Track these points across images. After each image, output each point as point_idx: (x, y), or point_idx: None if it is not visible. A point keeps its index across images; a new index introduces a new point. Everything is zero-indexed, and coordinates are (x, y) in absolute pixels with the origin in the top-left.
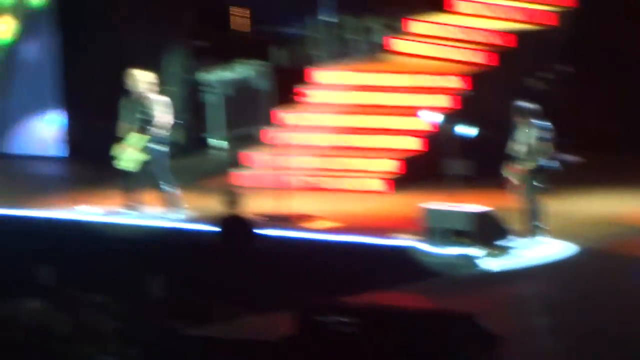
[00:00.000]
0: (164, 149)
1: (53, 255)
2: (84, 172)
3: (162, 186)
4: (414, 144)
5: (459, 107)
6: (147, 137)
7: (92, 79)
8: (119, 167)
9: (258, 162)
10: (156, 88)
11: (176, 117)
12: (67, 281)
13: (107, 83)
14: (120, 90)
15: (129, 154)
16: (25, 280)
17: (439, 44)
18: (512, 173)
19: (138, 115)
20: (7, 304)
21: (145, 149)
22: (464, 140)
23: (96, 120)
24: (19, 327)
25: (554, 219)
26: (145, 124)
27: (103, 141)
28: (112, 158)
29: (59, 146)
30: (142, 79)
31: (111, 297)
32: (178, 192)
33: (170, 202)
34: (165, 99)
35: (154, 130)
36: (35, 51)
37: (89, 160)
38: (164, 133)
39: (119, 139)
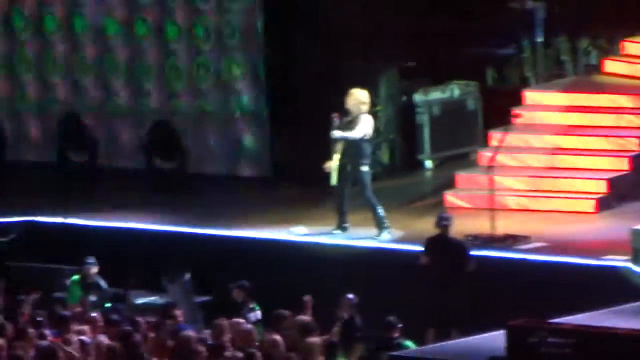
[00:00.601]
0: (369, 169)
1: (265, 276)
2: (289, 192)
3: (374, 207)
4: (623, 165)
5: None
6: (356, 156)
7: (299, 98)
8: (331, 185)
9: (469, 182)
10: (367, 107)
11: (384, 137)
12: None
13: (314, 103)
14: (325, 112)
15: (334, 167)
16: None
17: None
18: None
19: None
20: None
21: (353, 169)
22: None
23: (302, 140)
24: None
25: None
26: (354, 143)
27: (308, 161)
28: (323, 177)
29: (265, 166)
30: (361, 99)
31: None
32: (383, 212)
33: (378, 223)
34: (370, 118)
35: (361, 150)
36: (244, 69)
37: (294, 181)
38: (370, 153)
39: (331, 158)
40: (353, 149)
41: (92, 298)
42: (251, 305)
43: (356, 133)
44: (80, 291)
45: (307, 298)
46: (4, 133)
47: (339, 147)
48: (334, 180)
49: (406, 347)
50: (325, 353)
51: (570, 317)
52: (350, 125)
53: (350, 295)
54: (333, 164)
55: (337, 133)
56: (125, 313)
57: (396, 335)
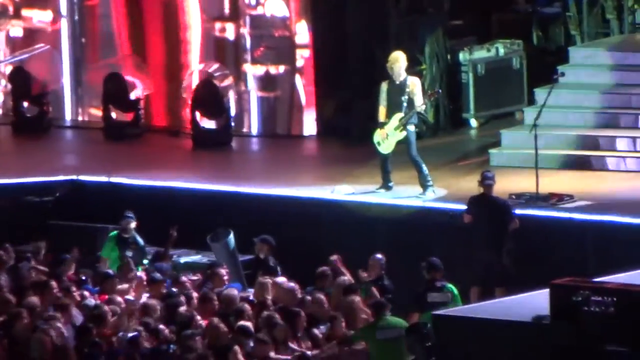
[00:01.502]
0: (415, 129)
1: (308, 235)
2: (334, 151)
3: (419, 166)
4: None
5: None
6: (408, 115)
7: (344, 57)
8: (381, 152)
9: (514, 141)
10: (406, 67)
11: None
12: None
13: (358, 62)
14: (371, 70)
15: (391, 137)
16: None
17: None
18: None
19: (403, 98)
20: None
21: (404, 129)
22: None
23: (347, 99)
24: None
25: None
26: (408, 107)
27: (353, 119)
28: (373, 142)
29: (310, 124)
30: (401, 61)
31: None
32: (427, 171)
33: (422, 182)
34: (417, 79)
35: (414, 113)
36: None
37: (337, 138)
38: (420, 115)
39: (380, 124)
40: (411, 112)
41: (129, 253)
42: (272, 263)
43: (420, 103)
44: (115, 246)
45: (335, 257)
46: (46, 92)
47: (398, 115)
48: (388, 145)
49: (449, 290)
50: (373, 312)
51: (613, 276)
52: (400, 88)
53: (379, 255)
54: (389, 130)
55: (420, 108)
56: (170, 272)
57: (439, 277)
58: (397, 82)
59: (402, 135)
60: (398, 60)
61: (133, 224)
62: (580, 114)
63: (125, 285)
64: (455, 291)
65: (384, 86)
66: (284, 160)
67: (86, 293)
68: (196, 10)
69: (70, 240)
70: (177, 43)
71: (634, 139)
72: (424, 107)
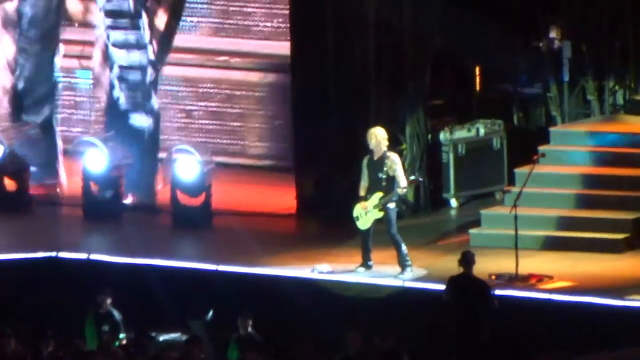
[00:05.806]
0: (396, 207)
1: (287, 314)
2: (312, 229)
3: (398, 245)
4: None
5: None
6: (389, 196)
7: (324, 135)
8: (359, 227)
9: (494, 221)
10: (387, 143)
11: (409, 175)
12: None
13: (338, 139)
14: (351, 147)
15: (370, 214)
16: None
17: None
18: None
19: (381, 175)
20: None
21: (383, 209)
22: None
23: (326, 176)
24: None
25: None
26: (387, 184)
27: (332, 197)
28: (353, 218)
29: (288, 202)
30: (381, 136)
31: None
32: (406, 250)
33: (401, 261)
34: (396, 156)
35: (397, 190)
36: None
37: (317, 216)
38: (402, 192)
39: (360, 199)
40: (393, 189)
41: (105, 328)
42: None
43: (403, 181)
44: (92, 323)
45: None
46: (27, 167)
47: (379, 194)
48: (367, 221)
49: None
50: None
51: (593, 357)
52: (379, 164)
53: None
54: (369, 206)
55: (402, 192)
56: (149, 350)
57: None
58: (376, 158)
59: (380, 214)
60: (375, 135)
61: (108, 299)
62: (559, 194)
63: None
64: None
65: (365, 162)
66: (263, 237)
67: None
68: None
69: (50, 317)
70: None
71: (612, 220)
72: (405, 190)
